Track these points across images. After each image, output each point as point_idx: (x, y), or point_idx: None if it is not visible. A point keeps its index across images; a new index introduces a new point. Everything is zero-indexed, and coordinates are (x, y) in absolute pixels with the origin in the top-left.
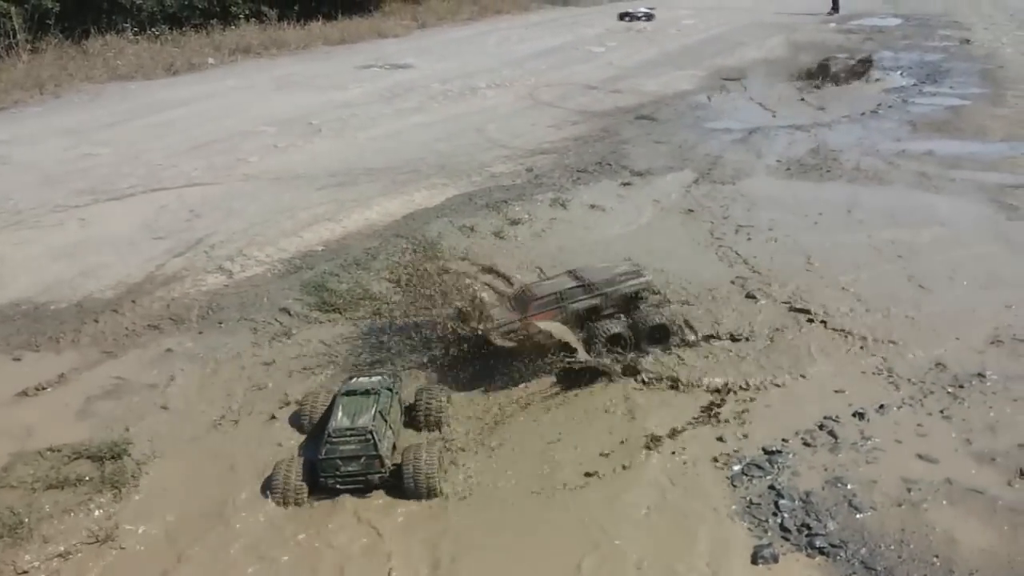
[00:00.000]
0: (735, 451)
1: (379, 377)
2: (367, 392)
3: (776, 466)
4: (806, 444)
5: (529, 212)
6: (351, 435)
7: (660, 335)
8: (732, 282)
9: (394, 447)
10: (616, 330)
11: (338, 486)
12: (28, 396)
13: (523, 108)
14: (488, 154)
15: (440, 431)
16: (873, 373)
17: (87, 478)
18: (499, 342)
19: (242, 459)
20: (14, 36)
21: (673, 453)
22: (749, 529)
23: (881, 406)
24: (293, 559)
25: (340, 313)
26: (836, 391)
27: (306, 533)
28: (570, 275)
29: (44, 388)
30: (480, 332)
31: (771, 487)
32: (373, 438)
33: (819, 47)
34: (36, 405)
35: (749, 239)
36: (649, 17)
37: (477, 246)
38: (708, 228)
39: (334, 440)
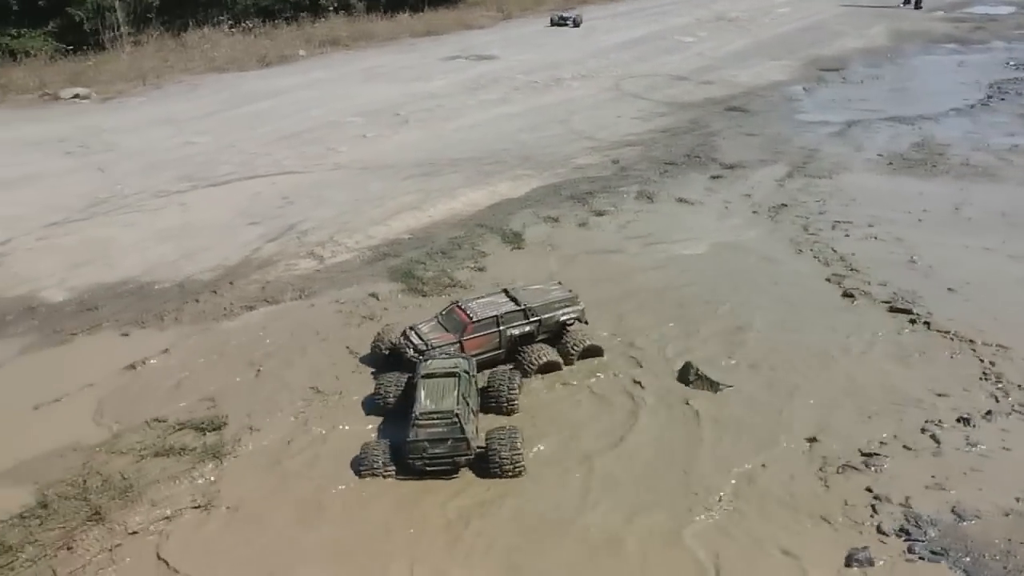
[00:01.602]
0: (830, 452)
1: (455, 359)
2: (447, 374)
3: (874, 468)
4: (907, 448)
5: (615, 204)
6: (437, 418)
7: (592, 354)
8: (828, 280)
9: (476, 429)
10: (549, 358)
11: (426, 467)
12: (135, 369)
13: (609, 99)
14: (573, 145)
15: (511, 414)
16: (980, 378)
17: (190, 448)
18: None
19: (331, 436)
20: (118, 29)
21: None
22: (843, 531)
23: (988, 412)
24: (384, 530)
25: (427, 298)
26: (939, 395)
27: (394, 508)
28: (507, 295)
29: (149, 361)
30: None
31: (868, 489)
32: (459, 421)
33: (924, 37)
34: (142, 377)
35: (847, 236)
36: None
37: (560, 236)
38: (802, 224)
39: (421, 423)
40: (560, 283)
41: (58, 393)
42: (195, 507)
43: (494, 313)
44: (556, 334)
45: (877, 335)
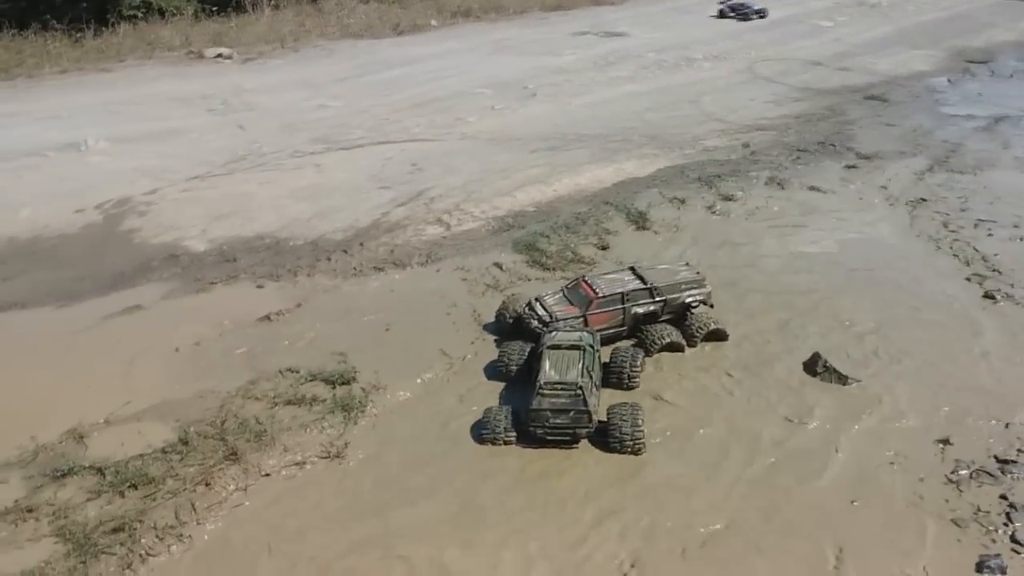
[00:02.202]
0: (963, 456)
1: (580, 332)
2: (572, 347)
3: (1010, 476)
4: None
5: (743, 189)
6: (561, 389)
7: (716, 338)
8: (967, 280)
9: (598, 403)
10: (672, 339)
11: (547, 436)
12: (270, 320)
13: (741, 82)
14: (702, 127)
15: (632, 390)
16: None
17: (321, 399)
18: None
19: (455, 396)
20: None
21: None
22: (974, 537)
23: None
24: (501, 497)
25: (550, 272)
26: None
27: (514, 471)
28: (633, 273)
29: (283, 314)
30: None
31: (1003, 497)
32: (583, 393)
33: None
34: (276, 328)
35: (990, 234)
36: None
37: (686, 218)
38: (942, 220)
39: (545, 392)
40: (688, 264)
41: (197, 337)
42: (324, 456)
43: (619, 290)
44: (681, 315)
45: (1018, 339)
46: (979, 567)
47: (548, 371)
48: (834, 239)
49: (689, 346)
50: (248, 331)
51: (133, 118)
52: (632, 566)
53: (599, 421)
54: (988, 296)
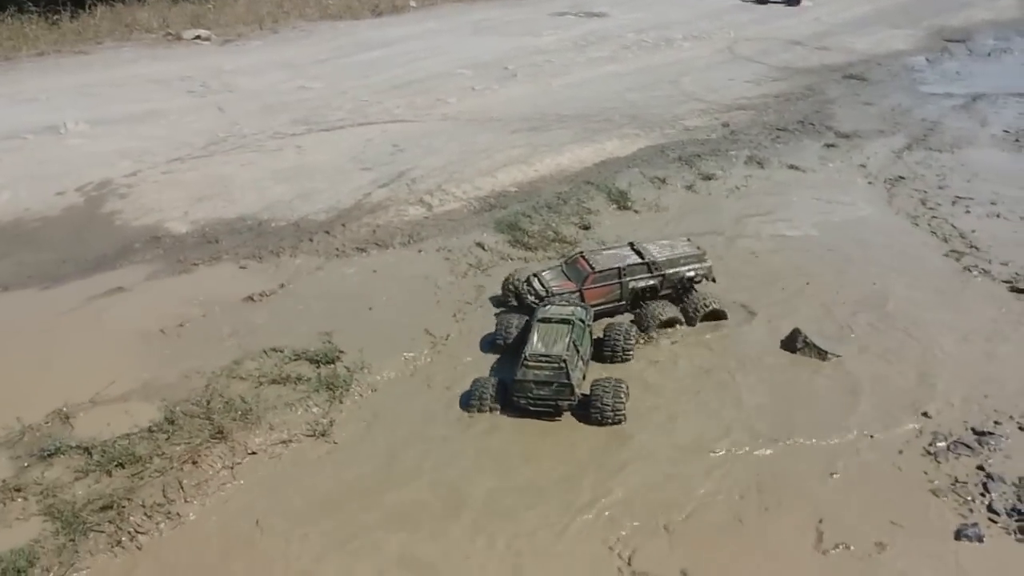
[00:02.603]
0: (942, 428)
1: (572, 307)
2: (563, 320)
3: (987, 447)
4: (1022, 428)
5: (723, 168)
6: (545, 361)
7: (716, 317)
8: (945, 256)
9: (583, 377)
10: (670, 315)
11: (529, 407)
12: (253, 301)
13: (721, 62)
14: (682, 107)
15: (627, 360)
16: None
17: (306, 378)
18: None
19: (439, 373)
20: None
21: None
22: (951, 507)
23: None
24: (479, 456)
25: (532, 252)
26: None
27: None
28: (632, 248)
29: (267, 295)
30: None
31: (979, 468)
32: (566, 367)
33: None
34: (260, 309)
35: (968, 212)
36: None
37: (667, 197)
38: (920, 198)
39: (529, 364)
40: (689, 239)
41: (181, 318)
42: (309, 435)
43: (617, 265)
44: (682, 290)
45: (997, 314)
46: (957, 535)
47: (535, 344)
48: (812, 218)
49: (688, 324)
50: (232, 312)
51: (112, 100)
52: (620, 545)
53: (582, 395)
54: (966, 271)
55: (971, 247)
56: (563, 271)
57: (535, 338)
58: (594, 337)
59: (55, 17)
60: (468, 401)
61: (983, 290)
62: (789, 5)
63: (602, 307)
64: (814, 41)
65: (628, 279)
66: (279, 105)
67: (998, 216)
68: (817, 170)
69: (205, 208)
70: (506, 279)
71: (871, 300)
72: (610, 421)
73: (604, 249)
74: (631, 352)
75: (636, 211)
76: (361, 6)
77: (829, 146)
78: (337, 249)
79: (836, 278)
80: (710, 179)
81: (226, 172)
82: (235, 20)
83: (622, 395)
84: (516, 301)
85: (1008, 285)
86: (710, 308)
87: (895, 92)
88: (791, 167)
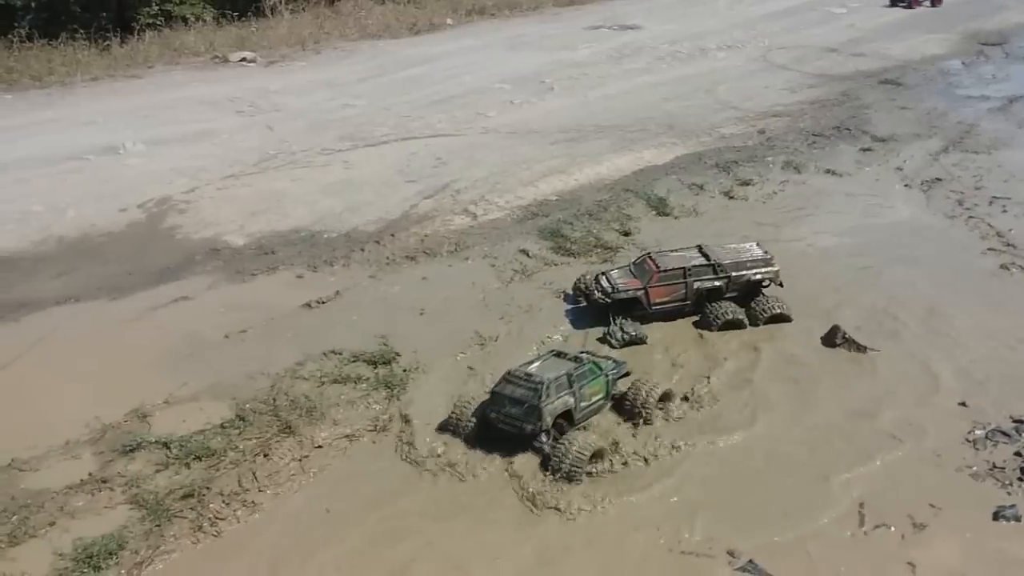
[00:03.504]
0: (981, 416)
1: (605, 360)
2: (574, 358)
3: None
4: None
5: (760, 174)
6: (525, 380)
7: (781, 319)
8: (983, 254)
9: (570, 418)
10: (734, 315)
11: (498, 423)
12: (311, 308)
13: (755, 70)
14: (718, 115)
15: (646, 424)
16: None
17: (365, 378)
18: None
19: (491, 371)
20: None
21: None
22: (990, 491)
23: None
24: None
25: (575, 257)
26: None
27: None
28: (699, 251)
29: (323, 302)
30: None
31: (1017, 454)
32: (541, 390)
33: None
34: (317, 315)
35: (1004, 211)
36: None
37: (705, 203)
38: (957, 198)
39: (510, 379)
40: (758, 243)
41: (244, 325)
42: (371, 429)
43: (682, 265)
44: (748, 293)
45: None
46: (995, 516)
47: (530, 365)
48: (850, 220)
49: (752, 325)
50: (291, 318)
51: (166, 121)
52: None
53: (555, 434)
54: (1004, 268)
55: (1008, 245)
56: (631, 270)
57: (536, 362)
58: (615, 392)
59: (105, 43)
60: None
61: (1020, 286)
62: (933, 6)
63: (667, 305)
64: (849, 47)
65: (693, 279)
66: (325, 122)
67: None
68: (854, 174)
69: (260, 222)
70: (577, 279)
71: (909, 297)
72: (564, 478)
73: (673, 251)
74: (650, 410)
75: (675, 217)
76: (400, 25)
77: (865, 150)
78: (387, 258)
79: (875, 278)
80: (747, 184)
81: (278, 187)
82: (278, 42)
83: (586, 451)
84: (585, 300)
85: None
86: (776, 311)
87: (931, 96)
88: (828, 171)
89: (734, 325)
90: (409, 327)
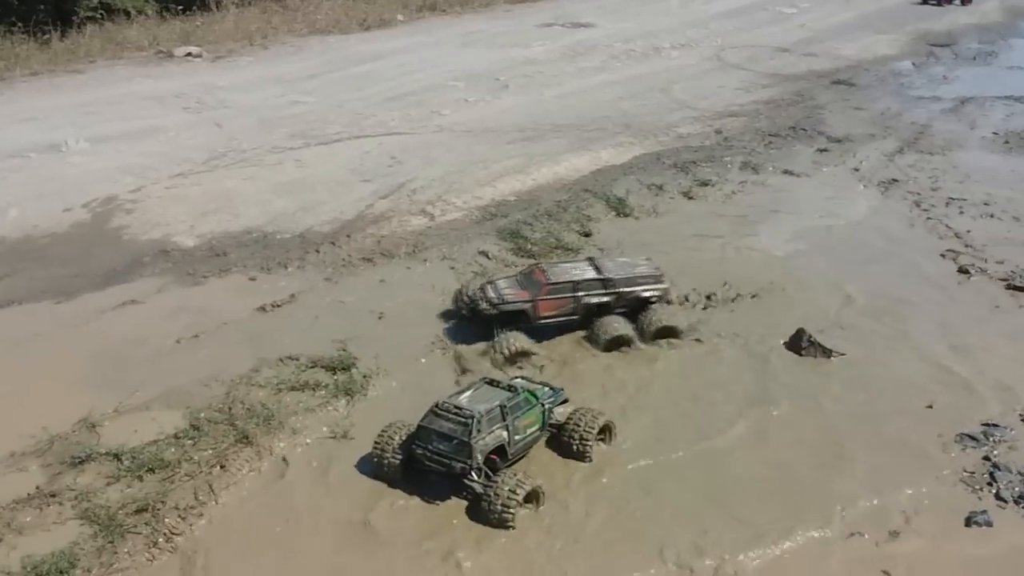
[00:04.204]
0: (948, 420)
1: (541, 387)
2: (508, 387)
3: (992, 439)
4: None
5: (719, 174)
6: (454, 414)
7: (667, 335)
8: (942, 256)
9: (505, 453)
10: (619, 332)
11: (425, 460)
12: (265, 311)
13: (710, 69)
14: (674, 115)
15: (584, 460)
16: None
17: (323, 384)
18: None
19: (447, 379)
20: None
21: None
22: (961, 496)
23: None
24: None
25: (535, 259)
26: None
27: None
28: (590, 264)
29: (279, 305)
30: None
31: (986, 458)
32: (472, 424)
33: None
34: (272, 319)
35: (962, 212)
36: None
37: (664, 204)
38: (914, 199)
39: (438, 412)
40: (649, 259)
41: (196, 329)
42: (331, 437)
43: (572, 279)
44: (637, 310)
45: (994, 311)
46: (968, 522)
47: (460, 396)
48: (809, 220)
49: (642, 341)
50: (245, 322)
51: (110, 118)
52: None
53: (479, 469)
54: (963, 271)
55: (967, 247)
56: (518, 281)
57: (467, 392)
58: (552, 422)
59: (45, 37)
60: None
61: (980, 288)
62: (963, 5)
63: (554, 319)
64: (801, 47)
65: (582, 294)
66: (275, 120)
67: (991, 216)
68: (811, 174)
69: (211, 222)
70: (458, 291)
71: (871, 300)
72: (494, 523)
73: (563, 262)
74: (588, 444)
75: (635, 217)
76: (349, 20)
77: (822, 151)
78: (343, 260)
79: (835, 279)
80: (706, 185)
81: (228, 186)
82: (224, 37)
83: (518, 494)
84: (470, 313)
85: (1004, 283)
86: (660, 326)
87: (884, 96)
88: (785, 172)
89: (622, 342)
90: (368, 331)
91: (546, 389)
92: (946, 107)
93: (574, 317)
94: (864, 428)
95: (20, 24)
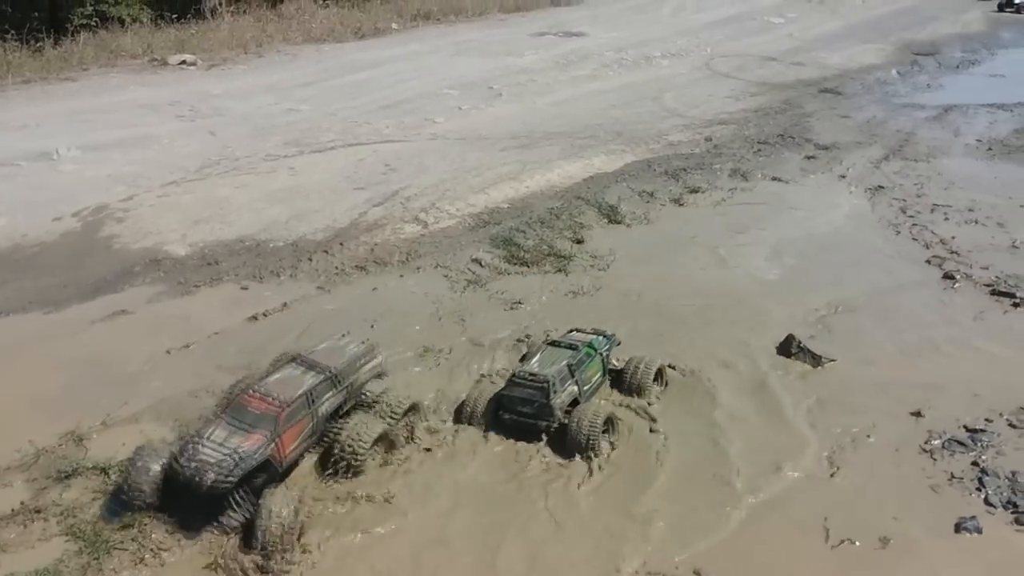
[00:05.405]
0: (935, 426)
1: (595, 336)
2: (569, 346)
3: (980, 444)
4: (1012, 426)
5: (709, 181)
6: (531, 380)
7: (411, 411)
8: (927, 262)
9: (576, 402)
10: (379, 431)
11: (513, 423)
12: (257, 320)
13: (700, 78)
14: (665, 123)
15: (643, 397)
16: None
17: None
18: None
19: (446, 385)
20: None
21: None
22: (950, 502)
23: None
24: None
25: (528, 267)
26: None
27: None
28: (301, 364)
29: (270, 314)
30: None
31: (974, 463)
32: (548, 387)
33: None
34: (264, 328)
35: (946, 219)
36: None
37: (656, 211)
38: (900, 206)
39: (517, 381)
40: (348, 332)
41: (187, 339)
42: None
43: (303, 389)
44: (357, 400)
45: (979, 316)
46: (957, 528)
47: (532, 363)
48: (798, 226)
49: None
50: (237, 331)
51: (102, 126)
52: None
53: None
54: (948, 277)
55: (952, 253)
56: (231, 423)
57: (535, 358)
58: (611, 367)
59: (38, 44)
60: (461, 416)
61: (966, 294)
62: (1019, 12)
63: (297, 451)
64: (788, 57)
65: (318, 404)
66: (269, 128)
67: (976, 223)
68: (799, 181)
69: (203, 230)
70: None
71: (858, 305)
72: (583, 451)
73: (265, 377)
74: (647, 383)
75: (627, 225)
76: (344, 29)
77: (809, 158)
78: (336, 268)
79: (824, 285)
80: (697, 192)
81: (221, 195)
82: (219, 45)
83: (598, 423)
84: (184, 489)
85: (989, 289)
86: (406, 406)
87: (870, 105)
88: (774, 179)
89: (384, 438)
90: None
91: (600, 338)
92: (930, 115)
93: (312, 437)
94: (848, 429)
95: (13, 32)
